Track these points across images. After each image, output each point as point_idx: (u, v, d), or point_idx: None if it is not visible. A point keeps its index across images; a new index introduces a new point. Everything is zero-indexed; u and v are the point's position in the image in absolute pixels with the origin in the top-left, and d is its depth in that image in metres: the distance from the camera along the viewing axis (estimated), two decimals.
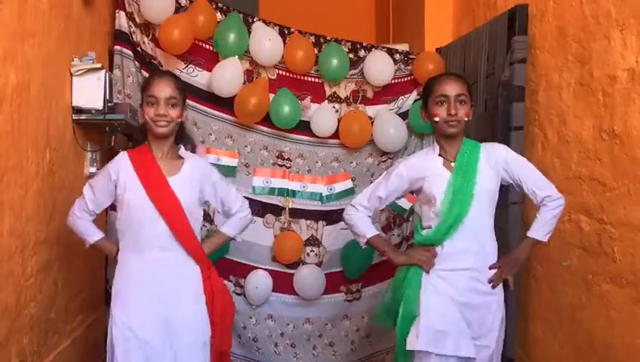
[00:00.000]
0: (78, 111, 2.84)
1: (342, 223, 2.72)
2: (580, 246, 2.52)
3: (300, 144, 3.63)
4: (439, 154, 2.32)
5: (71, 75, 2.80)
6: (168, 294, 2.25)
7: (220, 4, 3.46)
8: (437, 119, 2.27)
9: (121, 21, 3.28)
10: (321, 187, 3.65)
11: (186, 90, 2.47)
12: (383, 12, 5.99)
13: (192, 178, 2.32)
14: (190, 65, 3.45)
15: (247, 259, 3.55)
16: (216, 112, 3.50)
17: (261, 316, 3.61)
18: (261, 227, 3.55)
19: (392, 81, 3.63)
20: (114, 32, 3.32)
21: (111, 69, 3.24)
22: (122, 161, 2.30)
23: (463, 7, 4.07)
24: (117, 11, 3.29)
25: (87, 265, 3.05)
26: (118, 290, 2.30)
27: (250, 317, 3.60)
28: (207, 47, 3.46)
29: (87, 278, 3.07)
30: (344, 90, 3.64)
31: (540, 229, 2.31)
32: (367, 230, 2.41)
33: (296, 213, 3.62)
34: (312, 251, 3.62)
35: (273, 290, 3.58)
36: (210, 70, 3.42)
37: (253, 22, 3.50)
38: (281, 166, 3.62)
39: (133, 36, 3.31)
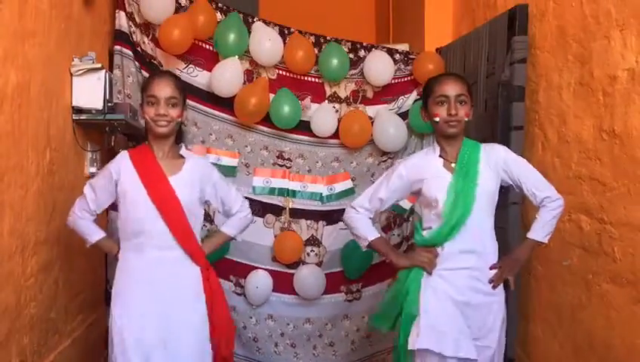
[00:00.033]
0: (78, 111, 2.84)
1: (342, 223, 2.71)
2: (580, 246, 2.52)
3: (300, 144, 3.63)
4: (439, 155, 2.31)
5: (71, 75, 2.79)
6: (168, 293, 2.25)
7: (220, 4, 3.45)
8: (437, 119, 2.27)
9: (121, 21, 3.28)
10: (322, 187, 3.64)
11: (186, 90, 2.47)
12: (383, 12, 5.99)
13: (192, 177, 2.33)
14: (190, 65, 3.45)
15: (247, 259, 3.55)
16: (216, 112, 3.50)
17: (261, 316, 3.61)
18: (261, 227, 3.55)
19: (392, 81, 3.63)
20: (114, 32, 3.32)
21: (111, 69, 3.24)
22: (123, 161, 2.31)
23: (463, 7, 4.07)
24: (117, 11, 3.29)
25: (88, 265, 3.04)
26: (118, 290, 2.30)
27: (251, 317, 3.60)
28: (207, 47, 3.46)
29: (87, 278, 3.06)
30: (344, 90, 3.64)
31: (540, 230, 2.31)
32: (369, 233, 2.40)
33: (297, 213, 3.62)
34: (312, 251, 3.62)
35: (273, 290, 3.58)
36: (210, 70, 3.42)
37: (253, 22, 3.50)
38: (281, 166, 3.62)
39: (133, 36, 3.31)
